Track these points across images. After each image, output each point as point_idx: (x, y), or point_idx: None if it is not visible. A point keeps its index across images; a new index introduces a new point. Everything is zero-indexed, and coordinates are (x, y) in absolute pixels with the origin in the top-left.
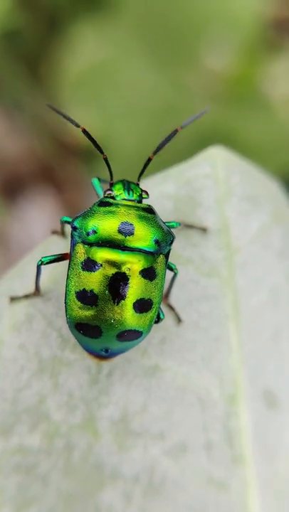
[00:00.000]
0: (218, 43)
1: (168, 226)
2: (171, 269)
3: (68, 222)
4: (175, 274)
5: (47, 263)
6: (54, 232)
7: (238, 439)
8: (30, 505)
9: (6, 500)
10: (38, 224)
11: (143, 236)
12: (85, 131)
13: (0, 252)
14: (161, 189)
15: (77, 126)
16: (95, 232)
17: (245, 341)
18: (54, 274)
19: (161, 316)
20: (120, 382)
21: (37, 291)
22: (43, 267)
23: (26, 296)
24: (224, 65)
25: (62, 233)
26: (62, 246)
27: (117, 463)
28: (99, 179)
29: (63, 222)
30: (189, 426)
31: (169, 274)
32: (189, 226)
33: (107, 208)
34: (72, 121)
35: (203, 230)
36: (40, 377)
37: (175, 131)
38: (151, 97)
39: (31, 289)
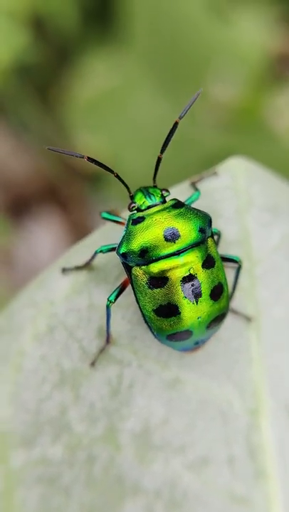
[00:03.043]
0: (225, 75)
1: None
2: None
3: (103, 252)
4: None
5: (116, 299)
6: (64, 271)
7: (261, 453)
8: None
9: None
10: (44, 244)
11: (188, 232)
12: (90, 159)
13: (6, 272)
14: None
15: (82, 157)
16: (145, 251)
17: (266, 353)
18: (76, 285)
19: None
20: (141, 394)
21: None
22: (65, 277)
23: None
24: (231, 95)
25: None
26: (84, 256)
27: (138, 476)
28: (107, 212)
29: (98, 253)
30: (211, 439)
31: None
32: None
33: (143, 224)
34: (75, 154)
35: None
36: (61, 388)
37: (176, 124)
38: (157, 124)
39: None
